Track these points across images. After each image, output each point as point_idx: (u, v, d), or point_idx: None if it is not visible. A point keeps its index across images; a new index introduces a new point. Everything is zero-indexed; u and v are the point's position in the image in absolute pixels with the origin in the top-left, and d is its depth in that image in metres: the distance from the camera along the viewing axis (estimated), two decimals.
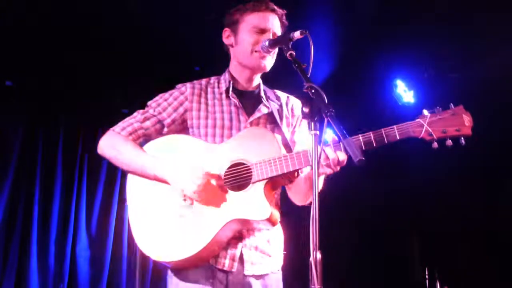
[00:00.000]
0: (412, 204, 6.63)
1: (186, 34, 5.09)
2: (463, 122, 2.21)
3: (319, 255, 1.80)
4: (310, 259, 1.80)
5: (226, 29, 2.70)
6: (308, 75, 2.10)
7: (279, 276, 2.61)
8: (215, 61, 2.88)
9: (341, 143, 2.25)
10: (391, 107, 6.21)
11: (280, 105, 2.73)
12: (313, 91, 1.98)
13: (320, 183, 2.50)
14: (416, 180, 6.41)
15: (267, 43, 2.48)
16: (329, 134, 2.28)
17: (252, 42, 2.57)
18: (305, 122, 2.73)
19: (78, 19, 4.92)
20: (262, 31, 2.58)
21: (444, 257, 6.33)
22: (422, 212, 6.60)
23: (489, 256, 5.94)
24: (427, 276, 6.32)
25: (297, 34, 2.26)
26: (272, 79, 2.81)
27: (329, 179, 2.46)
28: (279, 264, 2.63)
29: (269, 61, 2.61)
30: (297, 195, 2.64)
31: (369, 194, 6.55)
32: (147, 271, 5.61)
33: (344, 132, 1.85)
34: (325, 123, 1.91)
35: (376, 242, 6.59)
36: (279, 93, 2.80)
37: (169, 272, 2.52)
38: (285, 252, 2.69)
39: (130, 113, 2.72)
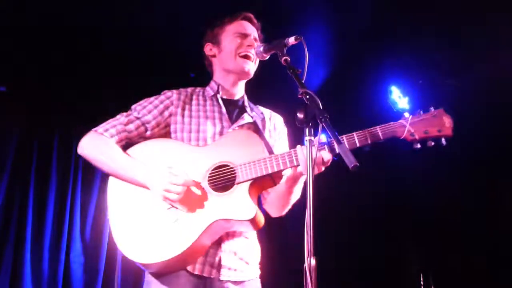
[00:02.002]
0: (409, 208, 6.63)
1: (182, 40, 5.09)
2: (444, 123, 2.29)
3: (313, 261, 1.79)
4: (305, 265, 1.79)
5: (207, 44, 2.83)
6: (303, 81, 2.11)
7: (257, 283, 2.63)
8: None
9: (327, 146, 2.29)
10: (386, 113, 6.20)
11: (263, 119, 2.80)
12: (307, 96, 2.00)
13: (299, 190, 2.57)
14: (415, 184, 6.43)
15: (261, 48, 2.52)
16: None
17: (236, 46, 2.70)
18: (286, 136, 2.84)
19: (75, 25, 4.92)
20: (244, 35, 2.72)
21: (440, 263, 6.32)
22: (420, 216, 6.59)
23: (487, 262, 5.94)
24: (422, 282, 6.31)
25: (291, 40, 2.28)
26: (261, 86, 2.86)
27: (320, 182, 2.46)
28: (256, 272, 2.64)
29: (252, 66, 2.71)
30: (276, 205, 2.68)
31: (367, 197, 6.55)
32: (141, 277, 5.57)
33: (339, 138, 1.86)
34: (320, 129, 1.92)
35: (372, 246, 6.58)
36: (262, 108, 2.88)
37: (147, 276, 2.53)
38: (260, 265, 2.69)
39: None
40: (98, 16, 4.85)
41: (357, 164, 1.79)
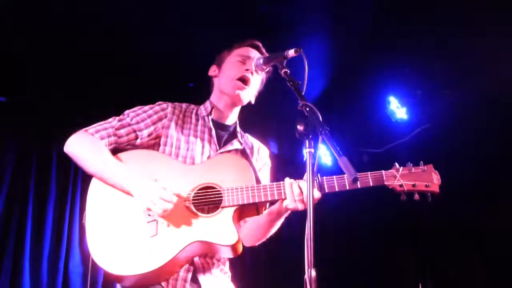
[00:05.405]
0: (409, 215, 6.63)
1: (182, 51, 5.11)
2: (432, 179, 2.37)
3: (314, 273, 1.79)
4: (305, 276, 1.80)
5: (213, 65, 2.89)
6: (303, 93, 2.12)
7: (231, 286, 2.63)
8: (209, 78, 2.95)
9: (316, 184, 2.29)
10: (384, 124, 6.23)
11: (252, 148, 2.83)
12: (307, 109, 2.01)
13: (279, 224, 2.58)
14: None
15: (261, 60, 2.52)
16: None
17: (235, 69, 2.73)
18: (268, 169, 2.86)
19: (74, 35, 4.93)
20: (245, 59, 2.74)
21: (439, 270, 6.32)
22: (419, 223, 6.60)
23: (486, 270, 5.94)
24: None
25: (291, 52, 2.29)
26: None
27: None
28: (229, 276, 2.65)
29: (245, 93, 2.72)
30: (252, 235, 2.65)
31: (367, 204, 6.55)
32: None
33: (339, 150, 1.87)
34: (319, 141, 1.93)
35: (370, 254, 6.57)
36: (251, 138, 2.92)
37: None
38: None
39: None
40: (99, 24, 4.86)
41: (357, 176, 1.81)
